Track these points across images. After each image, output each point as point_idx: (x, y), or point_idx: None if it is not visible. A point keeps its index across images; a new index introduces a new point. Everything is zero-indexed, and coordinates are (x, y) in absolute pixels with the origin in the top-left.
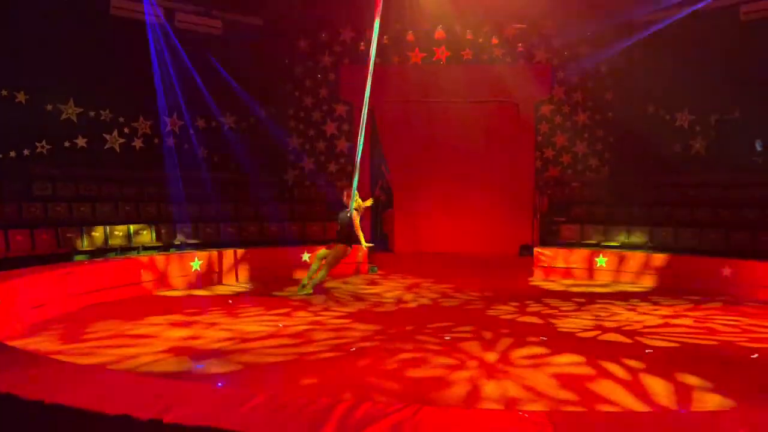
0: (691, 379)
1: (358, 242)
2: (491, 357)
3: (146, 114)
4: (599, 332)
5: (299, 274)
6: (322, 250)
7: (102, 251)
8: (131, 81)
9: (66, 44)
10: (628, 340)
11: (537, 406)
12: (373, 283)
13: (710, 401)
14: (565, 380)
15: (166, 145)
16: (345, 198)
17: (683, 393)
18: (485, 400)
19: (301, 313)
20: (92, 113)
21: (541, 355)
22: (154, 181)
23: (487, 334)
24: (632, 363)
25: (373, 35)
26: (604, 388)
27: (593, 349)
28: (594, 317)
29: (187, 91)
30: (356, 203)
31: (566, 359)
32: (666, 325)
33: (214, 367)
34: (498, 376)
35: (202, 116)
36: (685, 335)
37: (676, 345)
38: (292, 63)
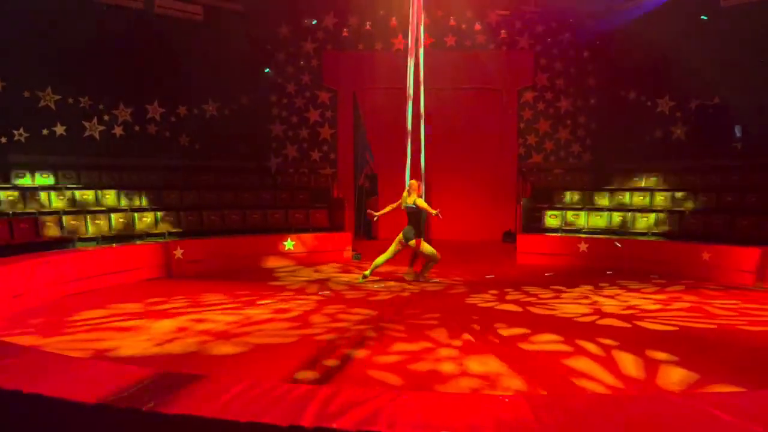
0: (660, 355)
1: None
2: (471, 337)
3: (127, 101)
4: (578, 315)
5: (273, 263)
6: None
7: (82, 240)
8: (111, 67)
9: (44, 30)
10: (620, 323)
11: (516, 381)
12: (357, 270)
13: (675, 375)
14: (543, 357)
15: (146, 133)
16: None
17: (651, 367)
18: (468, 377)
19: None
20: (71, 100)
21: (522, 335)
22: (135, 168)
23: (465, 320)
24: (606, 341)
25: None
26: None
27: (571, 330)
28: (573, 301)
29: (168, 78)
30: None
31: (545, 338)
32: (663, 309)
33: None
34: (478, 354)
35: (183, 103)
36: (660, 319)
37: (651, 327)
38: (274, 49)
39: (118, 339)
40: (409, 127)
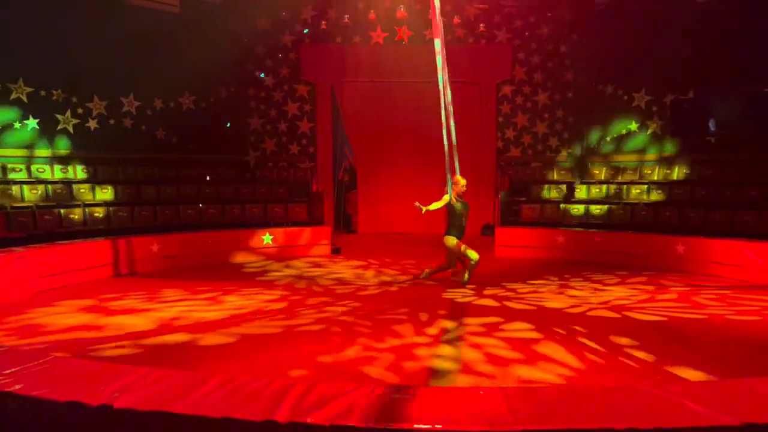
0: (623, 340)
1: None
2: (450, 324)
3: (101, 94)
4: (555, 304)
5: (249, 257)
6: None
7: (56, 235)
8: (84, 59)
9: (14, 21)
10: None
11: (487, 367)
12: (334, 263)
13: (635, 356)
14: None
15: (122, 126)
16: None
17: (614, 351)
18: (442, 360)
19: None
20: (43, 93)
21: (495, 323)
22: (111, 162)
23: (441, 311)
24: (576, 328)
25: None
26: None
27: (543, 319)
28: (549, 292)
29: (144, 71)
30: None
31: (517, 326)
32: (616, 299)
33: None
34: (453, 342)
35: (159, 96)
36: (635, 310)
37: (618, 316)
38: (251, 42)
39: (94, 330)
40: (444, 120)
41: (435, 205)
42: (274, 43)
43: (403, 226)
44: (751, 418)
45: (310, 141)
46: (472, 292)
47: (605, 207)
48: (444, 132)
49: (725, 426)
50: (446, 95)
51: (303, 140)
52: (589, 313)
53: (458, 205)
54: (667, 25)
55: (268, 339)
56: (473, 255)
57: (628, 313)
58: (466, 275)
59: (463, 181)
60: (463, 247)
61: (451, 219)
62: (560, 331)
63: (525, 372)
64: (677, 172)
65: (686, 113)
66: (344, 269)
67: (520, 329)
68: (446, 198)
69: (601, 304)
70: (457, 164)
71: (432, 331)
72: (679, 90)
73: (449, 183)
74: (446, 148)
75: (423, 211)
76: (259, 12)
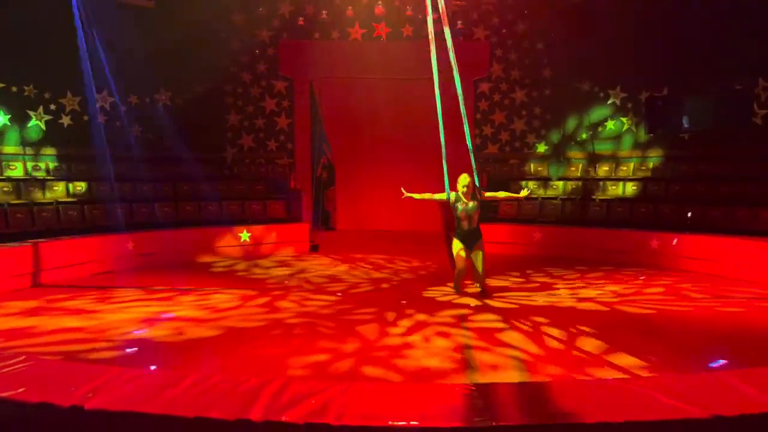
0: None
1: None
2: (422, 317)
3: (74, 90)
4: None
5: (218, 256)
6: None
7: (29, 234)
8: (57, 54)
9: None
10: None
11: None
12: (313, 261)
13: (589, 344)
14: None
15: (96, 122)
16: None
17: (571, 338)
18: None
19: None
20: (14, 88)
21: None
22: (85, 159)
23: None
24: (539, 319)
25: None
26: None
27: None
28: (522, 286)
29: (118, 66)
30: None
31: (485, 317)
32: (591, 295)
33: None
34: (423, 330)
35: (134, 92)
36: (608, 304)
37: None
38: (228, 37)
39: (70, 331)
40: (440, 117)
41: (422, 196)
42: (250, 39)
43: (383, 224)
44: (720, 410)
45: (289, 137)
46: (452, 291)
47: (581, 203)
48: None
49: (695, 419)
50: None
51: (281, 136)
52: (556, 305)
53: (457, 206)
54: (642, 22)
55: (248, 333)
56: (457, 264)
57: (593, 305)
58: (478, 287)
59: (462, 181)
60: (454, 252)
61: (455, 220)
62: (526, 322)
63: (486, 357)
64: (652, 168)
65: (661, 110)
66: (322, 266)
67: (488, 320)
68: (441, 196)
69: (571, 296)
70: (445, 164)
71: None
72: (653, 87)
73: (446, 180)
74: (443, 147)
75: (404, 196)
76: (236, 7)
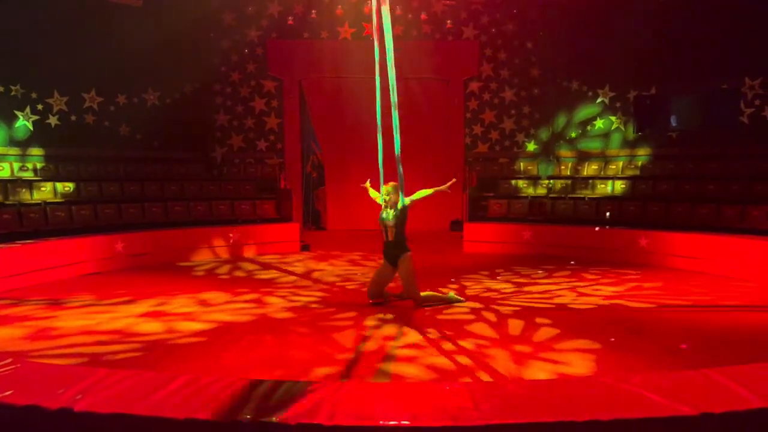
0: (541, 320)
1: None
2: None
3: (62, 89)
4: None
5: (208, 256)
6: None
7: (16, 234)
8: (44, 54)
9: None
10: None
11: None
12: (304, 261)
13: (545, 334)
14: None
15: (84, 123)
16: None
17: (530, 327)
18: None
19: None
20: (1, 88)
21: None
22: (73, 159)
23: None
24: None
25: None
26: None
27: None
28: (513, 285)
29: (106, 66)
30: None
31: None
32: (576, 293)
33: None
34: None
35: (122, 92)
36: (594, 303)
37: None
38: (217, 37)
39: (57, 334)
40: (379, 119)
41: (373, 193)
42: (240, 38)
43: (373, 223)
44: (708, 407)
45: (278, 137)
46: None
47: (570, 202)
48: (380, 133)
49: (683, 416)
50: (394, 96)
51: (271, 136)
52: (526, 302)
53: (381, 214)
54: (631, 22)
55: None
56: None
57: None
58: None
59: (384, 190)
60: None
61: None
62: (490, 313)
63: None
64: (641, 167)
65: (649, 109)
66: (312, 266)
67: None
68: (378, 199)
69: (541, 293)
70: (382, 171)
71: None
72: (641, 86)
73: (381, 184)
74: (380, 148)
75: (362, 185)
76: (225, 7)
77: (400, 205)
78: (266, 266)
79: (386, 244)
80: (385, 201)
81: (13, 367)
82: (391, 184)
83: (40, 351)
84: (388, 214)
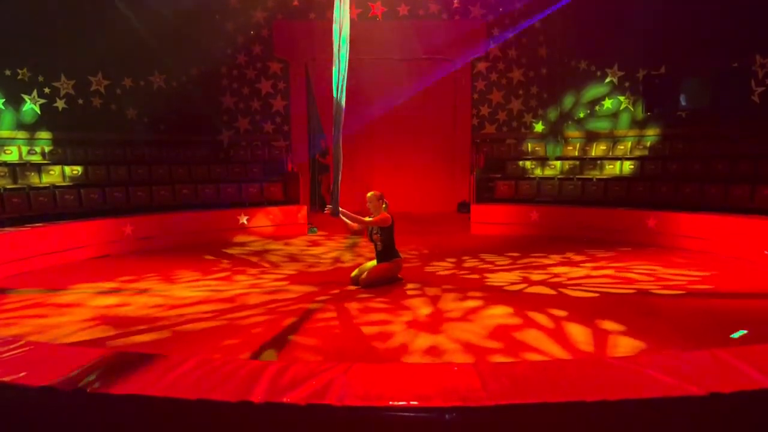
0: (609, 325)
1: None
2: (427, 311)
3: (68, 73)
4: (527, 285)
5: (217, 237)
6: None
7: (26, 218)
8: (50, 38)
9: None
10: (553, 292)
11: (466, 357)
12: (313, 244)
13: (623, 344)
14: (494, 331)
15: (91, 106)
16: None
17: (600, 338)
18: (417, 352)
19: (240, 277)
20: (8, 72)
21: (475, 308)
22: (81, 143)
23: (429, 290)
24: (556, 312)
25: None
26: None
27: (522, 302)
28: (524, 271)
29: (112, 49)
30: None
31: (497, 311)
32: (588, 276)
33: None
34: (431, 328)
35: (128, 75)
36: (606, 285)
37: (596, 295)
38: (223, 18)
39: (65, 315)
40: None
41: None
42: (245, 20)
43: None
44: (716, 387)
45: (285, 119)
46: (452, 265)
47: (579, 183)
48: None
49: (692, 396)
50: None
51: (277, 118)
52: (566, 291)
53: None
54: (640, 0)
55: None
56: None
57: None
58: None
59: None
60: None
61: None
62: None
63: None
64: (650, 147)
65: (658, 88)
66: (320, 248)
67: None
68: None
69: (576, 281)
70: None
71: (427, 310)
72: (651, 65)
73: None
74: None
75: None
76: None
77: (367, 219)
78: (275, 249)
79: (377, 254)
80: (369, 209)
81: (26, 349)
82: (372, 192)
83: (53, 332)
84: (374, 227)
